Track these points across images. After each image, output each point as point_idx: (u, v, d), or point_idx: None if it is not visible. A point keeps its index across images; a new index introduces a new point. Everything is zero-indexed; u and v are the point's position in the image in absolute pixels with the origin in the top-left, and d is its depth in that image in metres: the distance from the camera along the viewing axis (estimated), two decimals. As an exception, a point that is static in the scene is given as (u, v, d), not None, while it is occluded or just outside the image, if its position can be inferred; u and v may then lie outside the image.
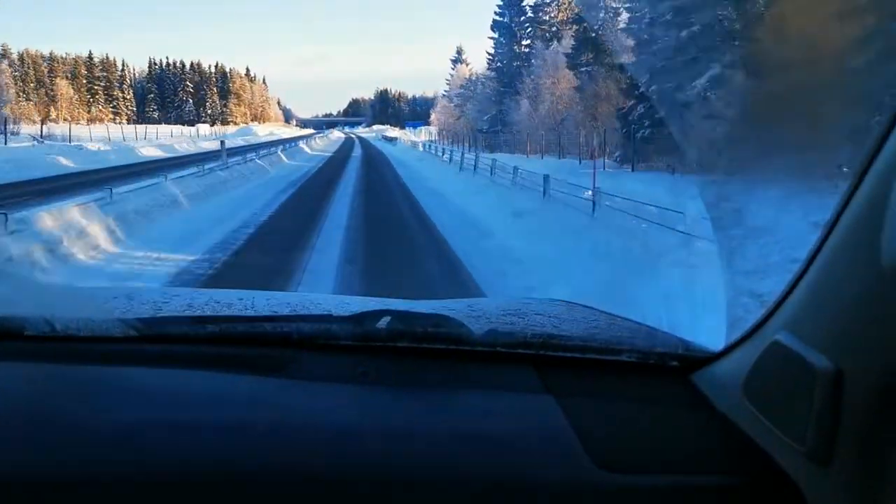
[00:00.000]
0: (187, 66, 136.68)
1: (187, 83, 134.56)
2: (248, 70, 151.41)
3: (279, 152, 30.14)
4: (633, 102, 22.62)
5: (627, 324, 1.21)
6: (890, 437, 0.60)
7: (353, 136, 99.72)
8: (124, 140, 43.35)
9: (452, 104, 64.77)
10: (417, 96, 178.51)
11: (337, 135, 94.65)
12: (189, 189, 13.82)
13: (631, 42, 22.30)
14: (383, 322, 0.99)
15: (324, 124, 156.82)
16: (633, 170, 21.04)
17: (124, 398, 0.88)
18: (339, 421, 0.85)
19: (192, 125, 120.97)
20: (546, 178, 13.18)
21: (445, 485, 0.74)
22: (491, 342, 1.00)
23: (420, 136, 78.09)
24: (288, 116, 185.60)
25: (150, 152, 33.69)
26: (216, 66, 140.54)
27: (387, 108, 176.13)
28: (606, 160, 23.29)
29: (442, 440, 0.81)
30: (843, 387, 0.64)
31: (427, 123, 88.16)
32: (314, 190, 18.20)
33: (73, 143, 34.94)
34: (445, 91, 72.42)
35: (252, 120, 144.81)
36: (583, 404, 0.90)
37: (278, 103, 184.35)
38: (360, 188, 18.73)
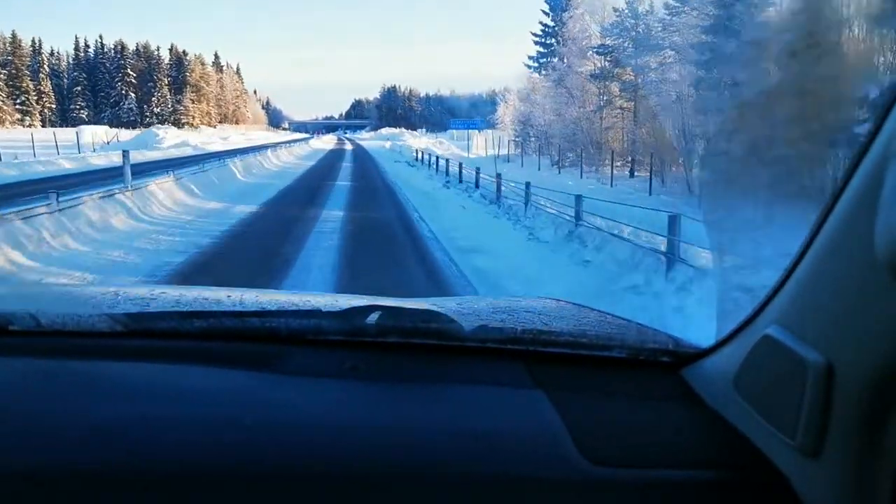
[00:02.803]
0: (129, 50, 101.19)
1: (128, 72, 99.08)
2: (216, 57, 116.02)
3: None
4: None
5: (617, 321, 1.18)
6: (880, 429, 0.61)
7: (346, 145, 61.93)
8: None
9: (570, 78, 28.78)
10: (431, 94, 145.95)
11: (320, 144, 59.67)
12: None
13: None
14: (372, 317, 0.99)
15: (323, 128, 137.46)
16: None
17: (110, 393, 0.87)
18: (328, 416, 0.84)
19: (134, 127, 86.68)
20: None
21: (435, 480, 0.73)
22: (481, 338, 0.99)
23: (477, 148, 42.26)
24: (277, 119, 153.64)
25: None
26: (170, 51, 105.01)
27: (395, 108, 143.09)
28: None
29: (432, 435, 0.80)
30: (834, 380, 0.64)
31: (490, 125, 50.13)
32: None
33: None
34: (533, 59, 36.66)
35: (221, 121, 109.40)
36: (573, 399, 0.89)
37: (267, 103, 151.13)
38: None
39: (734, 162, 0.94)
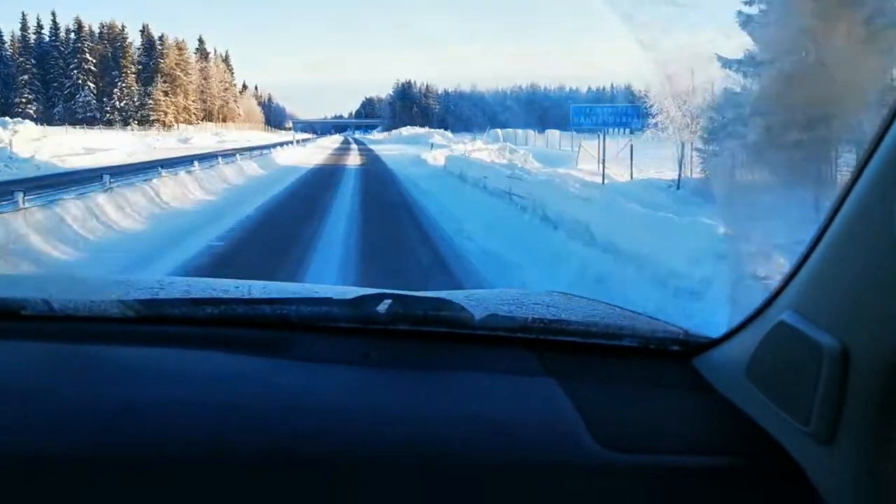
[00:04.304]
0: (90, 31, 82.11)
1: (87, 56, 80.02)
2: (201, 42, 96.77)
3: None
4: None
5: (627, 312, 1.18)
6: (895, 415, 0.61)
7: (349, 157, 34.21)
8: None
9: None
10: (450, 91, 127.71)
11: (301, 156, 30.42)
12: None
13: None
14: (384, 305, 0.99)
15: (331, 127, 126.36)
16: None
17: (122, 377, 0.88)
18: (340, 402, 0.84)
19: (91, 125, 67.85)
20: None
21: (448, 465, 0.73)
22: (492, 326, 0.99)
23: (593, 162, 22.11)
24: (281, 118, 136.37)
25: None
26: (142, 33, 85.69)
27: (411, 106, 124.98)
28: None
29: (444, 421, 0.81)
30: (850, 365, 0.63)
31: (629, 120, 26.40)
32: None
33: None
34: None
35: (205, 118, 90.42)
36: (585, 387, 0.89)
37: (268, 101, 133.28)
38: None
39: (748, 149, 0.96)
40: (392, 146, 46.95)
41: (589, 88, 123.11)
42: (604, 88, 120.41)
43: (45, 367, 0.89)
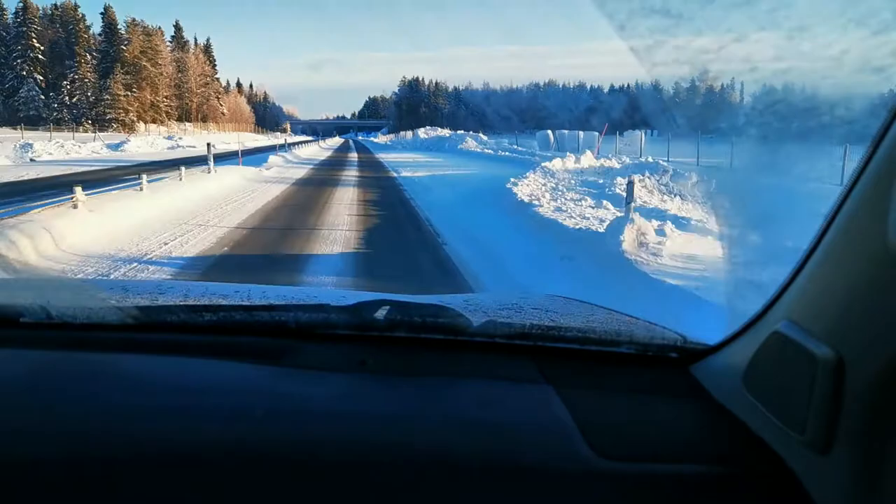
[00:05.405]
0: (43, 13, 68.04)
1: (33, 43, 66.09)
2: (178, 29, 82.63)
3: None
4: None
5: (625, 318, 1.18)
6: (890, 424, 0.61)
7: (325, 216, 16.33)
8: None
9: None
10: (462, 88, 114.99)
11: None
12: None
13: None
14: (381, 312, 0.99)
15: (334, 128, 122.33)
16: None
17: (120, 384, 0.87)
18: (338, 408, 0.84)
19: (35, 125, 54.24)
20: None
21: (443, 470, 0.73)
22: (489, 333, 1.00)
23: None
24: (278, 118, 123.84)
25: None
26: (103, 15, 71.53)
27: (418, 105, 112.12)
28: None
29: (440, 427, 0.81)
30: (845, 375, 0.63)
31: None
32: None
33: None
34: None
35: (182, 118, 76.48)
36: (581, 394, 0.89)
37: (263, 100, 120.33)
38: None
39: (746, 154, 0.93)
40: (410, 156, 31.17)
41: (612, 86, 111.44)
42: (627, 86, 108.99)
43: (43, 375, 0.89)
